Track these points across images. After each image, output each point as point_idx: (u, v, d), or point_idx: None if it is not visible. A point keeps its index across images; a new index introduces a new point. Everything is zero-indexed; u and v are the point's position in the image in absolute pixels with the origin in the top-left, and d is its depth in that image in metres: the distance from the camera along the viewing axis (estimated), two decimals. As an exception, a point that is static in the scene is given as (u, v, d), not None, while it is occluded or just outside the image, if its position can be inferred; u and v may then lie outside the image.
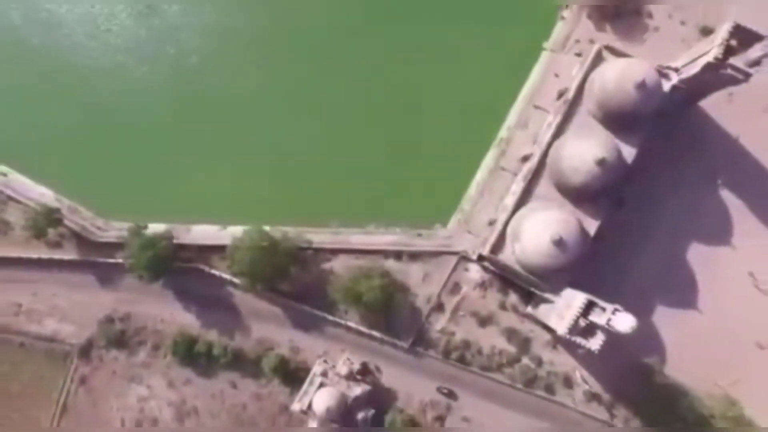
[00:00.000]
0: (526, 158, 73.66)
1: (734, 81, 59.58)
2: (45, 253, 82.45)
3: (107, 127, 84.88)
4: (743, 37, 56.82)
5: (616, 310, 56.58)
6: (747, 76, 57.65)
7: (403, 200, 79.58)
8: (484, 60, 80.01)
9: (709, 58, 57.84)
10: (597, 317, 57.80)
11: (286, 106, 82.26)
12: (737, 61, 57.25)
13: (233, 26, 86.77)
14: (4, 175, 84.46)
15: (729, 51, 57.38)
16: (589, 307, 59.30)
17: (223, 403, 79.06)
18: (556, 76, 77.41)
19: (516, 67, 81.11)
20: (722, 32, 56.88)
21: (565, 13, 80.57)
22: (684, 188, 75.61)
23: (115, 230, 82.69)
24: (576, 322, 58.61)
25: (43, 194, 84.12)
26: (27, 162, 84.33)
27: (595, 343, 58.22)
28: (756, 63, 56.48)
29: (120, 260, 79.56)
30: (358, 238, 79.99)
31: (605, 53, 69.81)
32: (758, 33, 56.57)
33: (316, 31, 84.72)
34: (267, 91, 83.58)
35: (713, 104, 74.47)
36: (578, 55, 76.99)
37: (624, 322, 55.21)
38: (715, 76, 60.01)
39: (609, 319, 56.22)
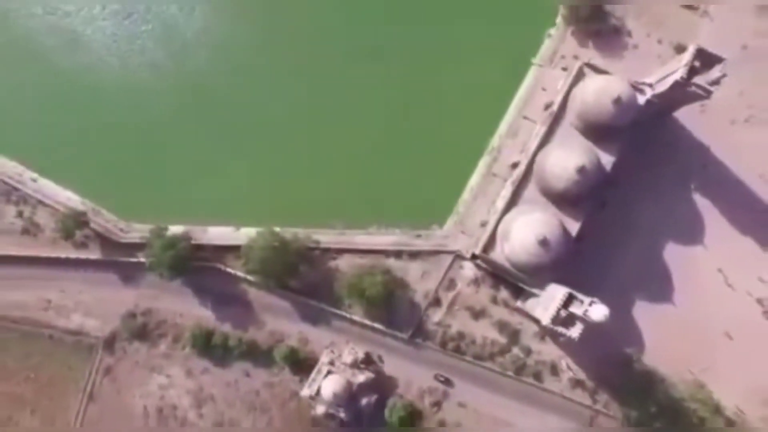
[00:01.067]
0: (515, 165, 79.15)
1: (699, 97, 66.05)
2: (72, 253, 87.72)
3: (128, 138, 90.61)
4: (705, 59, 63.47)
5: (592, 302, 62.86)
6: (709, 93, 64.13)
7: (403, 204, 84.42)
8: (479, 74, 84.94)
9: (676, 77, 64.34)
10: (576, 308, 63.97)
11: (296, 119, 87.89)
12: (700, 80, 63.67)
13: (245, 39, 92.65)
14: (34, 180, 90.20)
15: (693, 71, 63.91)
16: (570, 300, 65.24)
17: (237, 390, 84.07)
18: (544, 89, 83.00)
19: (507, 81, 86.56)
20: (687, 55, 63.48)
21: (552, 31, 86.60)
22: (660, 192, 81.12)
23: (136, 232, 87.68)
24: (558, 313, 64.70)
25: (69, 198, 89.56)
26: (55, 169, 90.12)
27: (575, 331, 64.45)
28: (716, 82, 62.92)
29: (141, 259, 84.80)
30: (361, 239, 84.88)
31: (586, 70, 75.94)
32: (718, 56, 63.19)
33: (322, 45, 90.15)
34: (277, 105, 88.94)
35: (687, 116, 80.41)
36: (564, 69, 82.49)
37: (598, 311, 61.63)
38: (682, 93, 66.45)
39: (586, 310, 62.56)
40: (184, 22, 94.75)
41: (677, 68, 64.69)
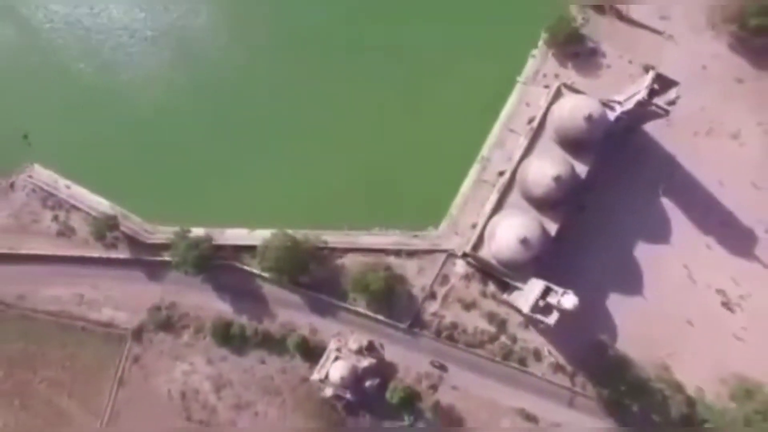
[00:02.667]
0: (501, 173, 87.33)
1: (659, 115, 75.35)
2: (103, 253, 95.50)
3: (152, 150, 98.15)
4: (663, 82, 72.87)
5: (564, 293, 71.85)
6: (667, 111, 73.34)
7: (402, 207, 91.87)
8: (470, 90, 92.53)
9: (638, 97, 73.76)
10: (552, 299, 73.33)
11: (305, 133, 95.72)
12: (659, 100, 73.01)
13: (254, 50, 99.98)
14: (68, 187, 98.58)
15: (653, 93, 73.20)
16: (547, 291, 73.94)
17: (253, 376, 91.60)
18: (527, 105, 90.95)
19: (496, 96, 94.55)
20: (647, 79, 72.96)
21: (535, 52, 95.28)
22: (633, 197, 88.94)
23: (160, 233, 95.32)
24: (536, 303, 73.57)
25: (99, 202, 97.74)
26: (86, 176, 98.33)
27: (552, 319, 73.30)
28: (672, 102, 72.26)
29: (165, 258, 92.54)
30: (365, 239, 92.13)
31: (563, 89, 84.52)
32: (674, 80, 72.68)
33: (326, 59, 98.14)
34: (289, 119, 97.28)
35: (655, 129, 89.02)
36: (546, 87, 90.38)
37: (569, 300, 70.59)
38: (644, 111, 75.83)
39: (559, 300, 71.96)
40: (201, 38, 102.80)
41: (639, 90, 74.05)
